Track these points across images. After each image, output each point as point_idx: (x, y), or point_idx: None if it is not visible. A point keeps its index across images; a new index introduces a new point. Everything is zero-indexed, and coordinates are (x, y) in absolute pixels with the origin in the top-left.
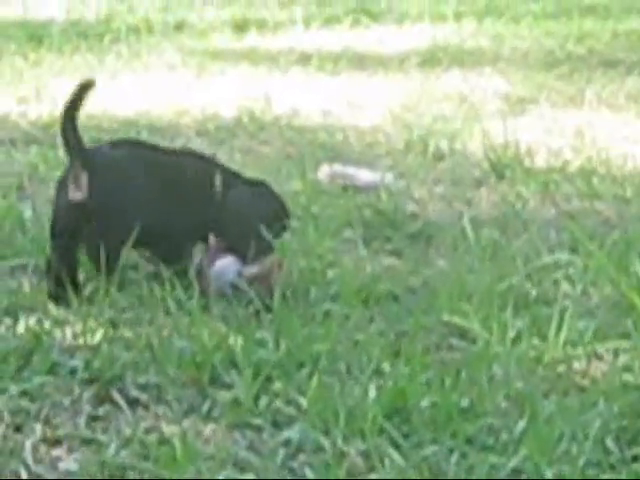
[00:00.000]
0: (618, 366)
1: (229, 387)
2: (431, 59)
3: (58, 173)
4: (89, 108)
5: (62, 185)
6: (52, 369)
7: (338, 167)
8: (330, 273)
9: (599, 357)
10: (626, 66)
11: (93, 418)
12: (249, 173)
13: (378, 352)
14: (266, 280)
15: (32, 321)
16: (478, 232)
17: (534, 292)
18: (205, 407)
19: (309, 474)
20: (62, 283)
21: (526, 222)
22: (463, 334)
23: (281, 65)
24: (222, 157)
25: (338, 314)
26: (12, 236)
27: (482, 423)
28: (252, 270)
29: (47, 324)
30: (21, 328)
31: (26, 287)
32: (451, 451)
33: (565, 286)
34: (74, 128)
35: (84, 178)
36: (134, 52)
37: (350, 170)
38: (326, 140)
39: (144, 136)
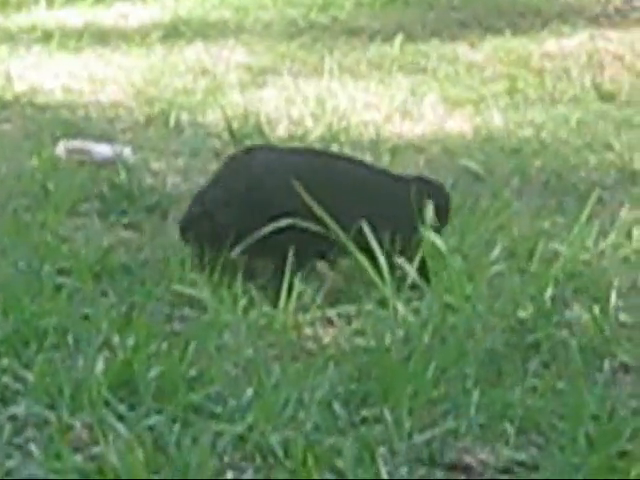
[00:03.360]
0: (350, 330)
1: None
2: (174, 32)
3: None
4: None
5: None
6: None
7: (76, 143)
8: (64, 248)
9: (331, 322)
10: (368, 34)
11: None
12: None
13: (107, 325)
14: None
15: None
16: None
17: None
18: None
19: (33, 449)
20: None
21: None
22: (194, 304)
23: (23, 44)
24: None
25: (69, 288)
26: None
27: (210, 391)
28: None
29: None
30: None
31: None
32: (175, 420)
33: None
34: None
35: None
36: None
37: (87, 145)
38: (67, 117)
39: None
